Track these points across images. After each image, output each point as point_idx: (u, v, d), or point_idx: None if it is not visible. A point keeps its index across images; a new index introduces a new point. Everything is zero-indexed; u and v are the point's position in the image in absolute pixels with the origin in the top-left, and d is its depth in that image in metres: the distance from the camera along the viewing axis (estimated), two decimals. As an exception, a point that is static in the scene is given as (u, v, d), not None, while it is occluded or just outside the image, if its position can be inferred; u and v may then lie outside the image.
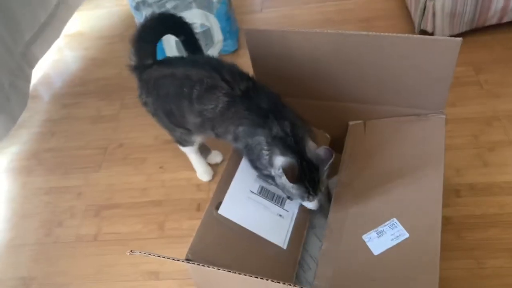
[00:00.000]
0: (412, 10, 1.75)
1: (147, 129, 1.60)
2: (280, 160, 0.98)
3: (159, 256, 0.80)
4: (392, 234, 0.92)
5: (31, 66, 1.73)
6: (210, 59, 1.11)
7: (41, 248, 1.32)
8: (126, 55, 1.93)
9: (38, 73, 1.94)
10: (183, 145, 1.30)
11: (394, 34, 1.01)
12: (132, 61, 1.17)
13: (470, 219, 1.18)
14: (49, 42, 1.85)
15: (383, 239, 0.92)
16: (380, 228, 0.94)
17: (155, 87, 1.13)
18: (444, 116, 1.14)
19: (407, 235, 0.91)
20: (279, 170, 0.98)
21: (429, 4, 1.57)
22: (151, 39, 1.18)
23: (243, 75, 1.06)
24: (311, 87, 1.22)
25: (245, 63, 1.84)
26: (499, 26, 1.66)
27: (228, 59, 1.82)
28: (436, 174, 1.01)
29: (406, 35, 1.01)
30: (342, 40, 1.07)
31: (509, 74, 1.55)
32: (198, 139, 1.26)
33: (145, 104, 1.20)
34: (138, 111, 1.66)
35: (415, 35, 1.01)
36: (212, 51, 1.80)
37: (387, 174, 1.04)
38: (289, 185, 0.97)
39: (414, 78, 1.10)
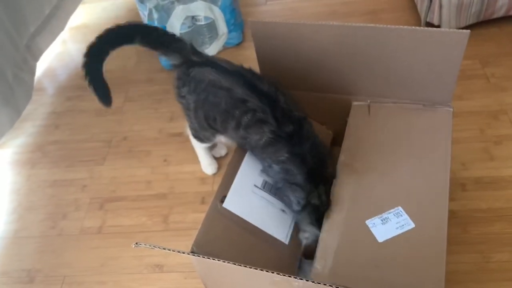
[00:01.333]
0: (419, 2, 1.73)
1: (152, 122, 1.60)
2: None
3: (164, 249, 0.80)
4: (397, 223, 0.91)
5: (36, 58, 1.73)
6: (270, 89, 1.06)
7: (46, 241, 1.33)
8: (130, 48, 1.94)
9: (42, 65, 1.94)
10: (202, 141, 1.28)
11: (401, 26, 1.00)
12: (177, 58, 1.15)
13: (476, 213, 1.17)
14: (54, 34, 1.84)
15: (388, 226, 0.91)
16: (384, 215, 0.93)
17: (206, 90, 1.10)
18: (451, 109, 1.12)
19: (412, 225, 0.91)
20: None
21: (436, -4, 1.55)
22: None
23: (293, 117, 1.04)
24: (316, 80, 1.21)
25: (250, 56, 1.83)
26: (506, 19, 1.64)
27: (233, 52, 1.84)
28: (443, 166, 1.01)
29: (413, 27, 1.00)
30: (348, 32, 1.05)
31: (516, 67, 1.53)
32: (222, 140, 1.25)
33: (182, 97, 1.17)
34: (142, 104, 1.67)
35: (422, 28, 1.00)
36: (217, 44, 1.79)
37: (392, 160, 1.03)
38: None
39: (420, 71, 1.09)
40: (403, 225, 0.91)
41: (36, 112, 1.73)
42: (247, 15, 1.94)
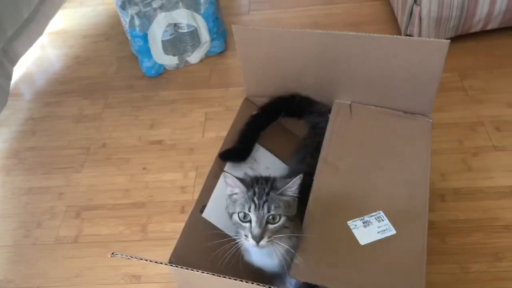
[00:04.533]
0: (399, 16, 1.76)
1: (131, 129, 1.58)
2: None
3: (141, 259, 0.78)
4: (378, 227, 0.91)
5: (13, 63, 1.69)
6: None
7: (19, 250, 1.29)
8: (110, 54, 1.92)
9: (19, 70, 1.90)
10: None
11: (382, 35, 1.01)
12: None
13: (454, 224, 1.18)
14: (32, 39, 1.81)
15: (369, 229, 0.91)
16: (366, 218, 0.93)
17: None
18: (431, 120, 1.14)
19: (393, 231, 0.91)
20: None
21: (416, 9, 1.58)
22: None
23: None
24: (298, 87, 1.21)
25: (232, 64, 1.84)
26: (483, 33, 1.68)
27: (215, 60, 1.83)
28: (423, 176, 1.01)
29: (395, 36, 1.01)
30: (330, 40, 1.06)
31: (492, 80, 1.57)
32: None
33: None
34: (122, 111, 1.65)
35: (403, 36, 1.02)
36: (199, 52, 1.78)
37: (373, 162, 1.03)
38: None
39: (401, 80, 1.10)
40: (384, 230, 0.91)
41: (12, 117, 1.69)
42: (230, 24, 1.93)
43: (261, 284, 0.76)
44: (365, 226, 0.92)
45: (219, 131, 1.51)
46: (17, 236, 1.32)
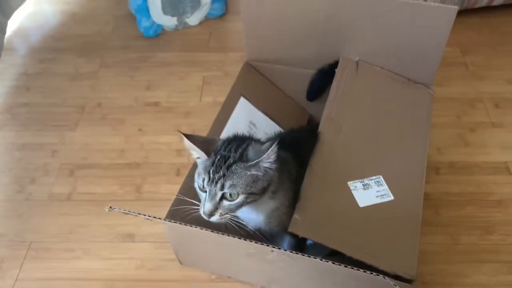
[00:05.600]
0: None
1: (127, 90, 1.55)
2: None
3: (139, 214, 0.78)
4: (377, 191, 0.92)
5: (7, 16, 1.64)
6: None
7: (12, 205, 1.28)
8: (108, 12, 1.88)
9: (13, 25, 1.85)
10: None
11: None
12: None
13: (448, 197, 1.19)
14: (27, -7, 1.76)
15: (368, 193, 0.91)
16: (366, 181, 0.93)
17: None
18: (432, 92, 1.14)
19: (391, 197, 0.91)
20: None
21: (422, -19, 1.55)
22: None
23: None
24: (303, 54, 1.20)
25: (232, 28, 1.80)
26: (488, 9, 1.66)
27: (215, 24, 1.80)
28: (422, 147, 1.03)
29: (404, 0, 0.99)
30: (340, 2, 1.04)
31: (494, 57, 1.56)
32: None
33: None
34: (118, 71, 1.62)
35: (412, 0, 0.99)
36: (199, 14, 1.74)
37: (375, 125, 1.04)
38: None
39: (407, 45, 1.09)
40: (383, 195, 0.91)
41: (6, 72, 1.66)
42: (231, -12, 1.89)
43: (255, 242, 0.76)
44: (364, 189, 0.92)
45: (216, 96, 1.50)
46: (10, 191, 1.31)
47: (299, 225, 0.85)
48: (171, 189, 1.26)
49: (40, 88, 1.59)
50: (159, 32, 1.73)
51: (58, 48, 1.74)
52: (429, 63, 1.12)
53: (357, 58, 1.15)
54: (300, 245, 0.93)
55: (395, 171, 0.97)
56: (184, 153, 1.37)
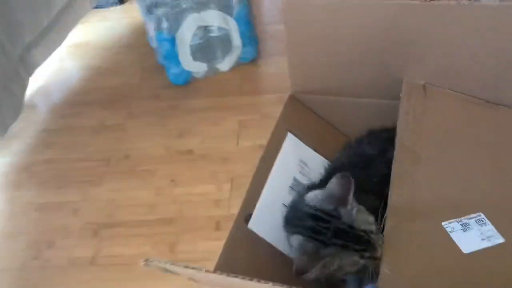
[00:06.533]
0: None
1: (157, 139, 1.41)
2: None
3: (185, 267, 0.59)
4: (481, 233, 0.70)
5: (29, 72, 1.55)
6: None
7: (27, 274, 1.10)
8: (134, 65, 1.79)
9: (36, 83, 1.76)
10: None
11: (470, 2, 0.83)
12: None
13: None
14: (51, 49, 1.68)
15: (470, 235, 0.70)
16: (464, 220, 0.72)
17: None
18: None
19: (501, 239, 0.70)
20: None
21: None
22: None
23: None
24: (356, 80, 1.04)
25: (265, 72, 1.68)
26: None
27: (247, 68, 1.68)
28: None
29: (485, 3, 0.83)
30: (403, 13, 0.89)
31: None
32: None
33: None
34: (146, 120, 1.49)
35: (497, 3, 0.84)
36: (230, 58, 1.63)
37: (463, 154, 0.84)
38: None
39: (484, 60, 0.92)
40: (489, 236, 0.70)
41: (26, 129, 1.54)
42: (261, 33, 1.79)
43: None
44: (464, 230, 0.71)
45: (255, 139, 1.33)
46: (26, 257, 1.13)
47: (392, 282, 0.64)
48: (210, 247, 1.07)
49: (61, 144, 1.46)
50: (189, 80, 1.62)
51: (81, 101, 1.63)
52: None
53: (423, 82, 0.99)
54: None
55: (499, 207, 0.77)
56: (223, 204, 1.18)
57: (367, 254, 0.68)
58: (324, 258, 0.68)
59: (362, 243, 0.68)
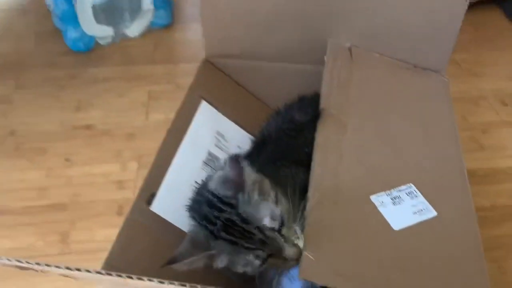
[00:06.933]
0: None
1: (50, 113, 1.21)
2: None
3: (56, 267, 0.44)
4: (412, 206, 0.63)
5: None
6: None
7: None
8: (27, 29, 1.55)
9: None
10: None
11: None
12: None
13: (480, 212, 0.92)
14: None
15: (401, 209, 0.62)
16: (394, 193, 0.64)
17: None
18: (446, 80, 0.90)
19: (433, 212, 0.63)
20: None
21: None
22: None
23: None
24: (279, 43, 0.93)
25: (181, 39, 1.53)
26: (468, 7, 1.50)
27: (160, 34, 1.50)
28: (454, 143, 0.78)
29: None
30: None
31: (484, 53, 1.39)
32: None
33: None
34: (40, 91, 1.29)
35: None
36: (140, 22, 1.45)
37: (390, 121, 0.77)
38: None
39: (411, 24, 0.87)
40: (421, 209, 0.63)
41: None
42: (177, -4, 1.62)
43: None
44: (394, 204, 0.63)
45: (168, 113, 1.17)
46: None
47: (314, 267, 0.54)
48: (111, 235, 0.91)
49: None
50: (92, 46, 1.41)
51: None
52: (441, 43, 0.89)
53: (348, 44, 0.89)
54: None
55: (428, 177, 0.70)
56: (128, 185, 1.03)
57: (262, 255, 0.55)
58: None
59: (253, 242, 0.54)
